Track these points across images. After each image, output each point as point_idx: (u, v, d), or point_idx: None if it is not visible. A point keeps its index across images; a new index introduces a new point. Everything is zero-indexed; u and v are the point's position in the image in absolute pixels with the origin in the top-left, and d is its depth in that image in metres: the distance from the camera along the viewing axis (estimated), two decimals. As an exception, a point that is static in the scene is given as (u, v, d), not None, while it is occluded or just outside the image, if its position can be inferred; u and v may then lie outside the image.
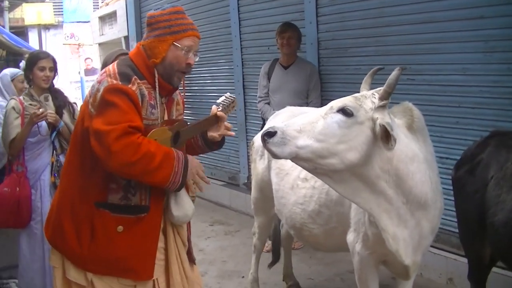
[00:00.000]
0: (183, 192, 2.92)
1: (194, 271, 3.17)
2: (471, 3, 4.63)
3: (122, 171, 2.64)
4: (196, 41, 2.89)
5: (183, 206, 2.91)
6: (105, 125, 2.58)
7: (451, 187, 4.79)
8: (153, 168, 2.62)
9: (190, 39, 2.85)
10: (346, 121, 2.78)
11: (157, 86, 2.83)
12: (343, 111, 2.78)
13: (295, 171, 3.95)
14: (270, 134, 2.69)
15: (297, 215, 3.90)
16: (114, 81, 2.69)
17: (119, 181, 2.75)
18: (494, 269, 3.81)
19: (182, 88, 3.41)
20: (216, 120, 3.07)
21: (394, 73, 2.81)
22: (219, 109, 3.09)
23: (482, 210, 3.42)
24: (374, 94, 2.87)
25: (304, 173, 3.83)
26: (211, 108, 3.12)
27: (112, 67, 2.80)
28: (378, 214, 2.98)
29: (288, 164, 4.01)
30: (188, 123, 3.02)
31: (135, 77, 2.74)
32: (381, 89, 2.86)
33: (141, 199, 2.79)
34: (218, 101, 3.12)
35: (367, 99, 2.85)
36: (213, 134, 3.11)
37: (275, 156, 2.76)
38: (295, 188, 3.91)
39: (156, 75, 2.82)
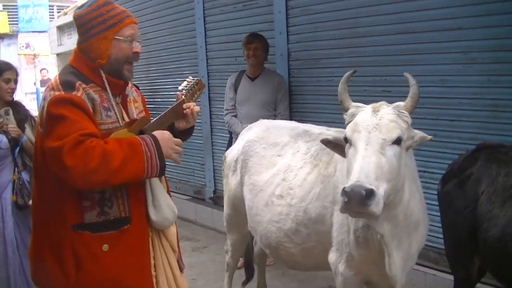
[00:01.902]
0: (160, 193, 2.77)
1: (183, 279, 3.00)
2: (450, 14, 4.57)
3: (90, 183, 2.45)
4: (135, 27, 2.74)
5: (161, 209, 2.75)
6: (55, 141, 2.42)
7: (428, 201, 4.73)
8: (118, 164, 2.44)
9: (129, 27, 2.69)
10: (399, 151, 2.73)
11: (107, 86, 2.66)
12: (398, 141, 2.71)
13: (269, 188, 3.82)
14: (371, 195, 2.49)
15: (273, 234, 3.76)
16: (57, 92, 2.52)
17: (92, 196, 2.56)
18: (478, 285, 3.74)
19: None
20: (182, 109, 2.83)
21: (416, 87, 2.84)
22: (183, 95, 2.85)
23: (473, 226, 3.35)
24: (402, 112, 2.79)
25: (279, 189, 3.73)
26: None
27: (54, 78, 2.65)
28: (389, 240, 2.94)
29: (262, 179, 3.91)
30: (152, 119, 2.81)
31: (79, 82, 2.56)
32: (400, 104, 2.83)
33: (120, 210, 2.61)
34: (180, 87, 2.86)
35: (400, 118, 2.77)
36: (181, 125, 2.90)
37: (375, 216, 2.59)
38: (270, 205, 3.77)
39: (103, 75, 2.65)
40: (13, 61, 19.41)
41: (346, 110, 2.94)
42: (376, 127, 2.71)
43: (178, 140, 2.73)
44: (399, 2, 4.95)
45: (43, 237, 2.67)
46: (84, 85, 2.56)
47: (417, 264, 4.86)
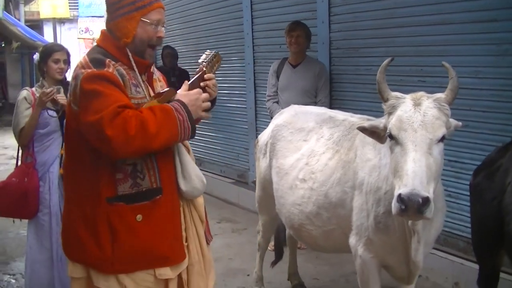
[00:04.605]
0: (189, 164, 2.85)
1: (209, 250, 3.09)
2: (484, 6, 4.58)
3: (130, 150, 2.54)
4: (162, 12, 2.81)
5: (190, 179, 2.83)
6: (94, 114, 2.49)
7: (458, 191, 4.78)
8: (155, 130, 2.53)
9: (157, 11, 2.76)
10: (442, 147, 2.83)
11: (134, 65, 2.75)
12: (442, 138, 2.80)
13: (293, 171, 3.93)
14: (426, 202, 2.60)
15: (295, 216, 3.88)
16: (89, 70, 2.60)
17: (125, 168, 2.65)
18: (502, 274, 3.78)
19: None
20: (203, 80, 2.86)
21: (456, 79, 2.91)
22: (204, 67, 2.90)
23: (499, 217, 3.30)
24: (443, 105, 2.86)
25: (302, 173, 3.84)
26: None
27: (83, 58, 2.72)
28: (420, 227, 3.04)
29: (287, 163, 4.03)
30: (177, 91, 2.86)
31: (109, 59, 2.66)
32: (440, 96, 2.88)
33: (151, 181, 2.69)
34: (199, 60, 2.93)
35: (442, 112, 2.83)
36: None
37: (428, 219, 2.75)
38: (294, 189, 3.89)
39: (130, 54, 2.74)
40: (73, 45, 19.85)
41: (385, 100, 2.98)
42: (422, 125, 2.76)
43: (205, 95, 2.78)
44: (436, -7, 4.97)
45: (77, 212, 2.74)
46: (113, 62, 2.66)
47: (445, 252, 4.97)
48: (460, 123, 3.03)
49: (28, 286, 4.58)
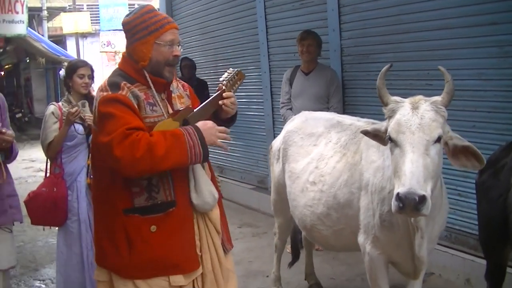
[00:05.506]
0: (202, 179, 2.97)
1: (227, 259, 3.20)
2: (485, 10, 4.72)
3: (138, 170, 2.70)
4: (176, 32, 2.95)
5: (202, 194, 2.95)
6: (106, 136, 2.69)
7: (467, 190, 4.90)
8: (162, 153, 2.67)
9: (170, 32, 2.91)
10: (440, 148, 2.94)
11: (151, 84, 2.90)
12: (438, 139, 2.90)
13: (304, 175, 4.11)
14: (423, 200, 2.72)
15: (307, 217, 4.05)
16: (105, 93, 2.80)
17: (141, 183, 2.81)
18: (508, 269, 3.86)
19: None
20: (222, 98, 3.02)
21: (452, 82, 2.98)
22: (224, 85, 3.03)
23: (504, 215, 3.42)
24: (440, 107, 2.95)
25: (313, 176, 4.01)
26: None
27: (104, 81, 2.92)
28: (423, 223, 3.19)
29: (298, 167, 4.20)
30: (195, 109, 3.00)
31: (124, 82, 2.83)
32: (437, 99, 2.98)
33: (166, 194, 2.85)
34: (221, 78, 3.05)
35: (438, 114, 2.93)
36: (223, 115, 3.10)
37: (425, 216, 2.89)
38: (305, 191, 4.06)
39: (147, 74, 2.90)
40: (96, 58, 20.12)
41: (386, 105, 3.12)
42: (419, 128, 2.87)
43: (223, 128, 2.93)
44: (438, -1, 5.13)
45: (100, 221, 2.98)
46: (129, 85, 2.82)
47: (456, 250, 5.10)
48: (465, 142, 3.08)
49: (61, 288, 4.81)
